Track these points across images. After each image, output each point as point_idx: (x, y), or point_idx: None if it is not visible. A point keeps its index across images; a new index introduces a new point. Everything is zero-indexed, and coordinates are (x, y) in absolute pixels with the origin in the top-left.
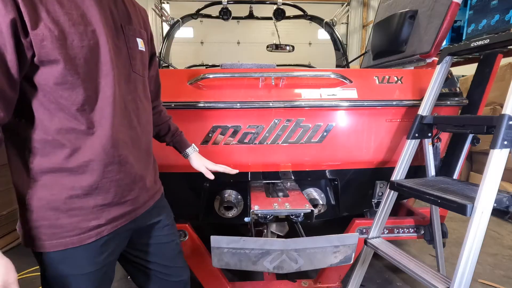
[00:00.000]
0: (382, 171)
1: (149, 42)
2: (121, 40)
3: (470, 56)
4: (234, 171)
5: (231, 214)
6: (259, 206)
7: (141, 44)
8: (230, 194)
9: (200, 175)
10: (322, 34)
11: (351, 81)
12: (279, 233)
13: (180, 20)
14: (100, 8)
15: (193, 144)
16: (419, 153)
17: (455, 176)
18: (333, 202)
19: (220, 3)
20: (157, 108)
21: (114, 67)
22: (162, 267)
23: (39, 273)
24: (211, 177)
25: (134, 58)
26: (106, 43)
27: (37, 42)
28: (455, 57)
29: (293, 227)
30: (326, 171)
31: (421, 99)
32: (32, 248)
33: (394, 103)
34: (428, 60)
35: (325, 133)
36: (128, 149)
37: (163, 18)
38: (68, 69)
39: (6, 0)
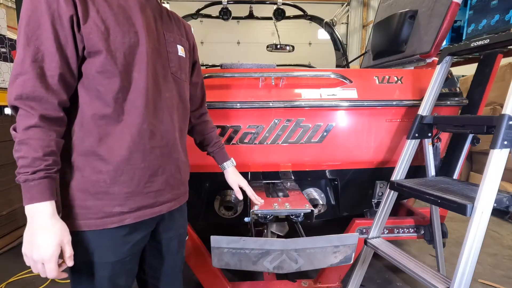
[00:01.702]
0: (382, 171)
1: (191, 51)
2: (162, 44)
3: (470, 56)
4: (260, 202)
5: (231, 214)
6: (259, 206)
7: (181, 51)
8: (230, 194)
9: (200, 175)
10: (322, 34)
11: (351, 81)
12: (279, 233)
13: None
14: (144, 16)
15: (231, 159)
16: (419, 153)
17: (455, 176)
18: (333, 202)
19: (220, 3)
20: (203, 117)
21: (149, 65)
22: (158, 281)
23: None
24: (240, 197)
25: (172, 61)
26: (145, 44)
27: (86, 34)
28: (455, 57)
29: (293, 227)
30: (326, 171)
31: (421, 99)
32: None
33: (394, 103)
34: (428, 60)
35: (325, 133)
36: (155, 141)
37: None
38: (108, 60)
39: None
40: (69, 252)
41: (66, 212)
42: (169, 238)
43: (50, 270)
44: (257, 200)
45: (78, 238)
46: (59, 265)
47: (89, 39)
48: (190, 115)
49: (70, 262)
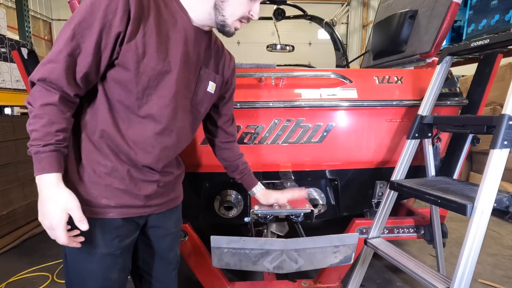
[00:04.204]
0: (382, 171)
1: (222, 86)
2: (193, 78)
3: (470, 56)
4: (303, 194)
5: (231, 214)
6: (259, 206)
7: (211, 87)
8: (230, 194)
9: (200, 175)
10: (322, 34)
11: (351, 81)
12: (279, 233)
13: None
14: (185, 50)
15: (259, 183)
16: (419, 153)
17: (455, 176)
18: (333, 202)
19: None
20: (229, 145)
21: (174, 96)
22: (151, 277)
23: (39, 273)
24: (287, 206)
25: (197, 94)
26: (176, 74)
27: (124, 52)
28: (455, 57)
29: (293, 227)
30: (326, 171)
31: (421, 99)
32: None
33: (394, 103)
34: (428, 60)
35: (325, 133)
36: (154, 160)
37: None
38: (132, 79)
39: (124, 16)
40: (77, 216)
41: None
42: (160, 235)
43: (58, 236)
44: (300, 194)
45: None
46: (70, 231)
47: (125, 56)
48: (215, 141)
49: (82, 226)
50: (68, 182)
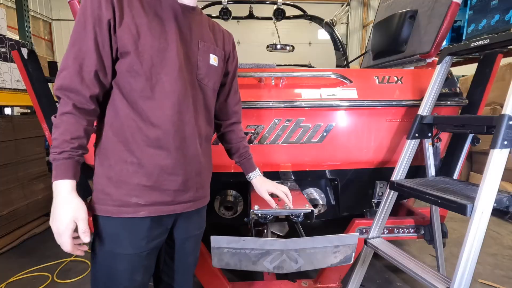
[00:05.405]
0: (382, 171)
1: (225, 61)
2: (194, 52)
3: (470, 56)
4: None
5: (231, 214)
6: (259, 206)
7: (213, 60)
8: (230, 194)
9: None
10: (322, 34)
11: (351, 81)
12: (279, 233)
13: None
14: (178, 25)
15: (257, 169)
16: (419, 153)
17: (455, 176)
18: (333, 202)
19: (220, 3)
20: (233, 127)
21: (180, 70)
22: (169, 279)
23: (39, 273)
24: (273, 205)
25: (200, 68)
26: (175, 49)
27: (119, 37)
28: (455, 57)
29: (293, 227)
30: (326, 171)
31: (421, 99)
32: (89, 211)
33: (394, 103)
34: (428, 60)
35: (325, 133)
36: (178, 143)
37: None
38: (135, 60)
39: (108, 4)
40: (82, 228)
41: (92, 197)
42: (184, 238)
43: (63, 243)
44: (289, 201)
45: (98, 223)
46: (75, 239)
47: (121, 40)
48: (221, 125)
49: (84, 238)
50: (98, 184)
